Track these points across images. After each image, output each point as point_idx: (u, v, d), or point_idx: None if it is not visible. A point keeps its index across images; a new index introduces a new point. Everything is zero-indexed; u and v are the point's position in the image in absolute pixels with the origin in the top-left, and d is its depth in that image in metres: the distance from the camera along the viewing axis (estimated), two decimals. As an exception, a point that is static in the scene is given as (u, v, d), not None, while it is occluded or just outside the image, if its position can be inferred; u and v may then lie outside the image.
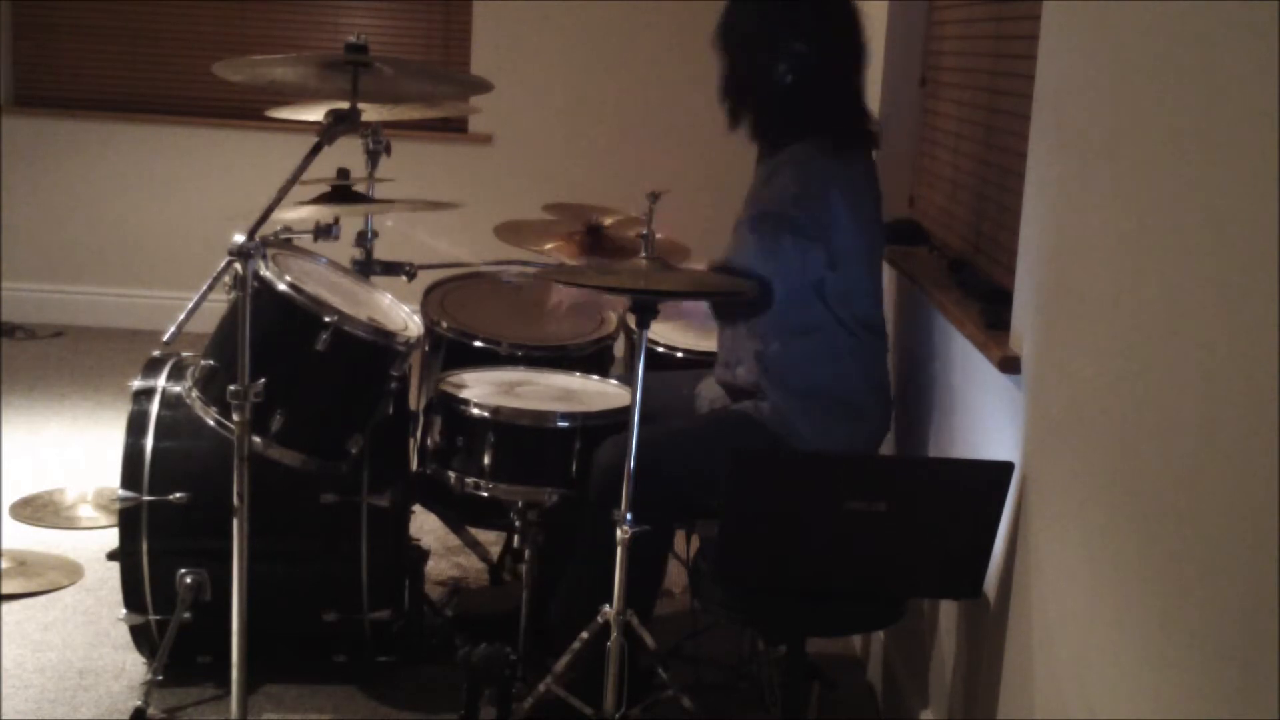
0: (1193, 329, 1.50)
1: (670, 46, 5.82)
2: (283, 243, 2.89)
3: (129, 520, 2.80)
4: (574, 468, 2.76)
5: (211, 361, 2.68)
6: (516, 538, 2.93)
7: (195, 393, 2.71)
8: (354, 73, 2.60)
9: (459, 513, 3.31)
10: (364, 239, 3.25)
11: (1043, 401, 2.07)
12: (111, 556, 2.87)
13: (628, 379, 2.97)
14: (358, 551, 2.85)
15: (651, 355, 3.11)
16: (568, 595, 2.77)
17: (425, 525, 3.49)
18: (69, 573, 3.46)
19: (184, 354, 2.99)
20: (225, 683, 2.58)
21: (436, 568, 3.50)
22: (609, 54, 5.90)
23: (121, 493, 2.80)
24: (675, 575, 3.21)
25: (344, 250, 3.16)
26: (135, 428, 2.84)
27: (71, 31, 6.02)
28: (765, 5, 2.72)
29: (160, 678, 2.78)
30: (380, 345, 2.75)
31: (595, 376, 3.05)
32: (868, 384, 2.77)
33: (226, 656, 2.49)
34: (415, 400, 3.07)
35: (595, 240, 3.35)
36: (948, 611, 2.56)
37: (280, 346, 2.62)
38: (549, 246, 3.34)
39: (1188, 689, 1.48)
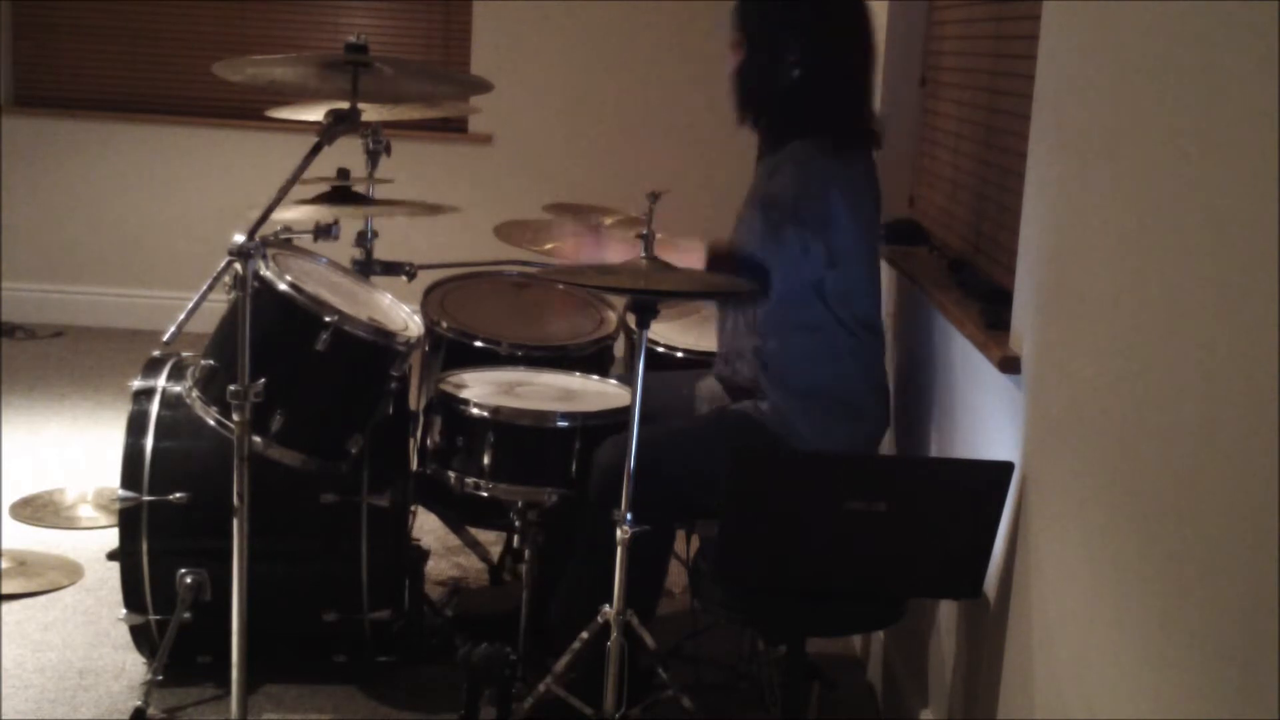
0: (1193, 329, 1.50)
1: (670, 46, 5.82)
2: (283, 243, 2.89)
3: (129, 520, 2.80)
4: (574, 468, 2.76)
5: (211, 361, 2.68)
6: (516, 537, 2.93)
7: (195, 393, 2.71)
8: (354, 73, 2.60)
9: (459, 513, 3.31)
10: (364, 239, 3.25)
11: (1043, 401, 2.07)
12: (111, 556, 2.87)
13: (628, 379, 2.97)
14: (358, 551, 2.85)
15: (651, 355, 3.11)
16: (568, 595, 2.77)
17: (425, 525, 3.49)
18: (69, 573, 3.46)
19: (184, 354, 2.99)
20: (225, 683, 2.58)
21: (436, 568, 3.50)
22: (609, 54, 5.90)
23: (121, 493, 2.80)
24: (675, 575, 3.21)
25: (344, 250, 3.16)
26: (135, 428, 2.84)
27: (71, 31, 6.02)
28: (768, 2, 2.72)
29: (160, 678, 2.78)
30: (380, 345, 2.75)
31: (595, 376, 3.05)
32: (867, 384, 2.77)
33: (226, 656, 2.49)
34: (415, 400, 3.07)
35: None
36: (948, 611, 2.56)
37: (280, 346, 2.62)
38: (549, 246, 3.34)
39: (1188, 689, 1.48)
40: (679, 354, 3.21)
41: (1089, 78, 1.94)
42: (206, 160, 5.96)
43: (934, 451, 2.75)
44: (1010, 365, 2.17)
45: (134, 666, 2.98)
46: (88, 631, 3.16)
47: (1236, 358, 1.39)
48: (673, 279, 2.45)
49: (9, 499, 3.91)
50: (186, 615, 2.78)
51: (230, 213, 2.83)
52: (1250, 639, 1.32)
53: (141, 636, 2.88)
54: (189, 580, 2.78)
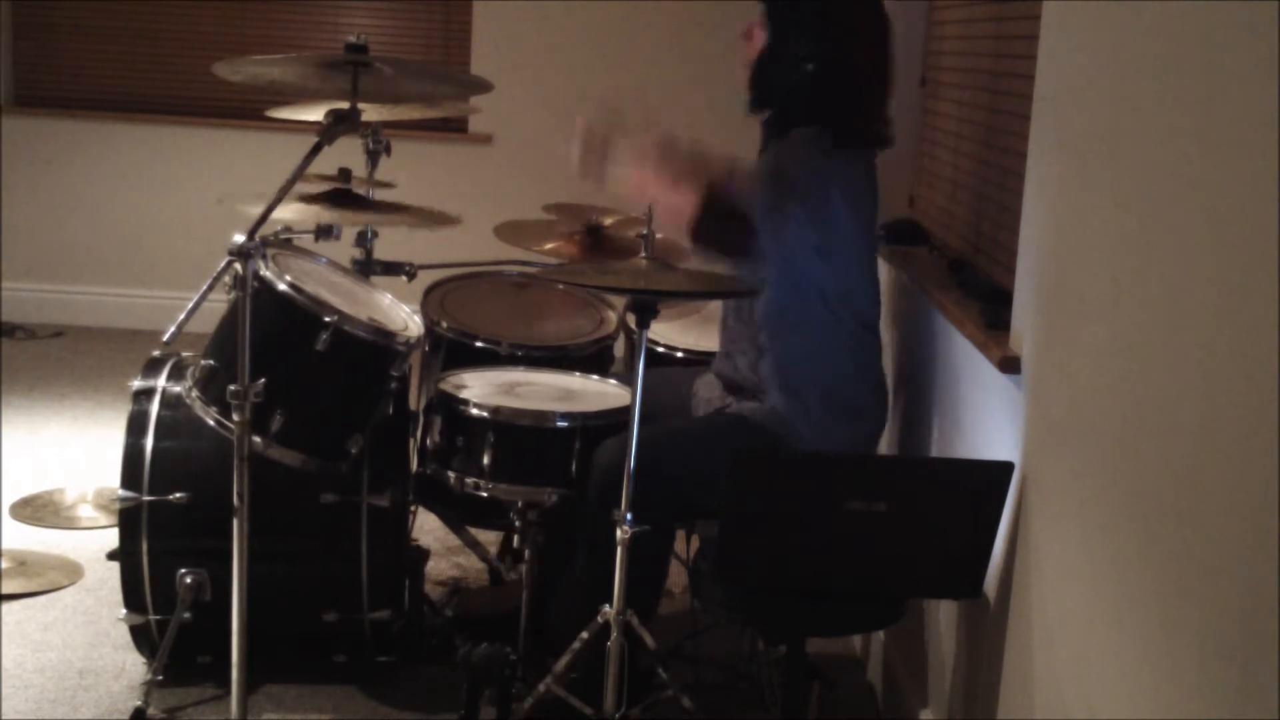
0: (1193, 329, 1.50)
1: (670, 46, 5.82)
2: (283, 243, 2.89)
3: (129, 520, 2.80)
4: (574, 468, 2.76)
5: (211, 361, 2.68)
6: (516, 537, 2.93)
7: (195, 393, 2.71)
8: (354, 73, 2.60)
9: (459, 513, 3.31)
10: (364, 239, 3.25)
11: (1043, 401, 2.07)
12: (111, 556, 2.87)
13: (626, 378, 2.97)
14: (358, 551, 2.85)
15: (651, 355, 3.11)
16: (567, 595, 2.77)
17: (425, 525, 3.49)
18: (69, 573, 3.46)
19: (184, 354, 2.99)
20: (225, 683, 2.58)
21: (436, 568, 3.50)
22: (609, 54, 5.90)
23: (121, 493, 2.80)
24: (675, 575, 3.21)
25: (344, 250, 3.16)
26: (135, 428, 2.84)
27: (71, 31, 6.02)
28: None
29: (160, 678, 2.78)
30: (380, 345, 2.75)
31: (595, 376, 3.05)
32: (867, 384, 2.77)
33: (226, 656, 2.49)
34: (415, 400, 3.07)
35: (595, 240, 3.35)
36: (948, 611, 2.56)
37: (280, 346, 2.62)
38: (549, 246, 3.34)
39: (1188, 689, 1.48)
40: (679, 354, 3.21)
41: (1089, 78, 1.94)
42: (206, 160, 5.96)
43: (934, 451, 2.75)
44: (1010, 365, 2.17)
45: (134, 666, 2.98)
46: (88, 631, 3.16)
47: (1236, 358, 1.39)
48: (673, 279, 2.45)
49: (9, 499, 3.91)
50: (186, 615, 2.78)
51: (230, 213, 2.83)
52: (1250, 639, 1.32)
53: (141, 636, 2.88)
54: (189, 580, 2.78)
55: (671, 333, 3.30)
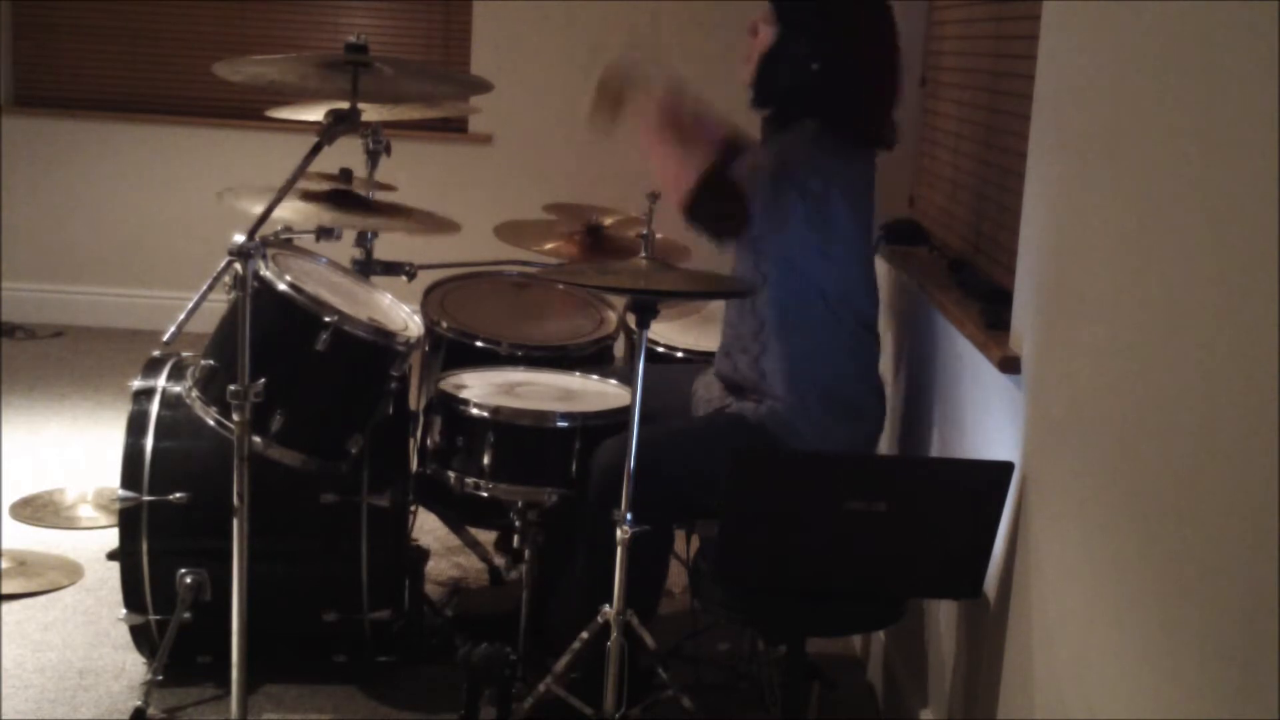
0: (1193, 329, 1.51)
1: (670, 46, 5.81)
2: (283, 243, 2.89)
3: (129, 520, 2.80)
4: (574, 468, 2.76)
5: (211, 361, 2.68)
6: (516, 538, 2.93)
7: (195, 393, 2.71)
8: (354, 73, 2.60)
9: (459, 513, 3.31)
10: (364, 239, 3.25)
11: (1043, 401, 2.07)
12: (111, 556, 2.86)
13: (624, 375, 2.97)
14: (358, 551, 2.85)
15: (651, 355, 3.11)
16: (567, 595, 2.77)
17: (425, 525, 3.49)
18: (69, 573, 3.46)
19: (184, 354, 2.99)
20: (225, 683, 2.58)
21: (436, 568, 3.50)
22: (609, 54, 5.88)
23: (121, 493, 2.80)
24: (675, 575, 3.21)
25: (344, 250, 3.16)
26: (135, 428, 2.84)
27: (71, 31, 6.02)
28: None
29: (160, 678, 2.78)
30: (380, 345, 2.75)
31: (595, 376, 3.05)
32: (866, 383, 2.77)
33: (226, 656, 2.49)
34: (415, 400, 3.07)
35: (595, 240, 3.35)
36: (948, 611, 2.56)
37: (280, 346, 2.62)
38: (549, 246, 3.34)
39: (1188, 689, 1.48)
40: (679, 354, 3.21)
41: (1089, 78, 1.94)
42: (206, 160, 5.96)
43: (934, 451, 2.75)
44: (1010, 365, 2.17)
45: (134, 666, 2.98)
46: (88, 631, 3.16)
47: (1236, 358, 1.39)
48: (672, 279, 2.45)
49: (9, 499, 3.91)
50: (186, 615, 2.78)
51: (230, 213, 2.83)
52: (1250, 639, 1.32)
53: (141, 636, 2.88)
54: (189, 580, 2.78)
55: (671, 333, 3.30)
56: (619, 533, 2.41)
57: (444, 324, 3.18)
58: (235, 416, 2.40)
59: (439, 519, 3.45)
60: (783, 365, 2.69)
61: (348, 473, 2.79)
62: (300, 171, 2.50)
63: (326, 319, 2.65)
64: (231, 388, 2.39)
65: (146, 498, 2.79)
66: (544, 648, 2.81)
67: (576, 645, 2.53)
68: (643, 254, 2.55)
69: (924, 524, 2.24)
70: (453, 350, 3.16)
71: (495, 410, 2.77)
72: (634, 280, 2.42)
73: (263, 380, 2.41)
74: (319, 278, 2.86)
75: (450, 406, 2.82)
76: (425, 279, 3.34)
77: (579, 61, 5.88)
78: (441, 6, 5.98)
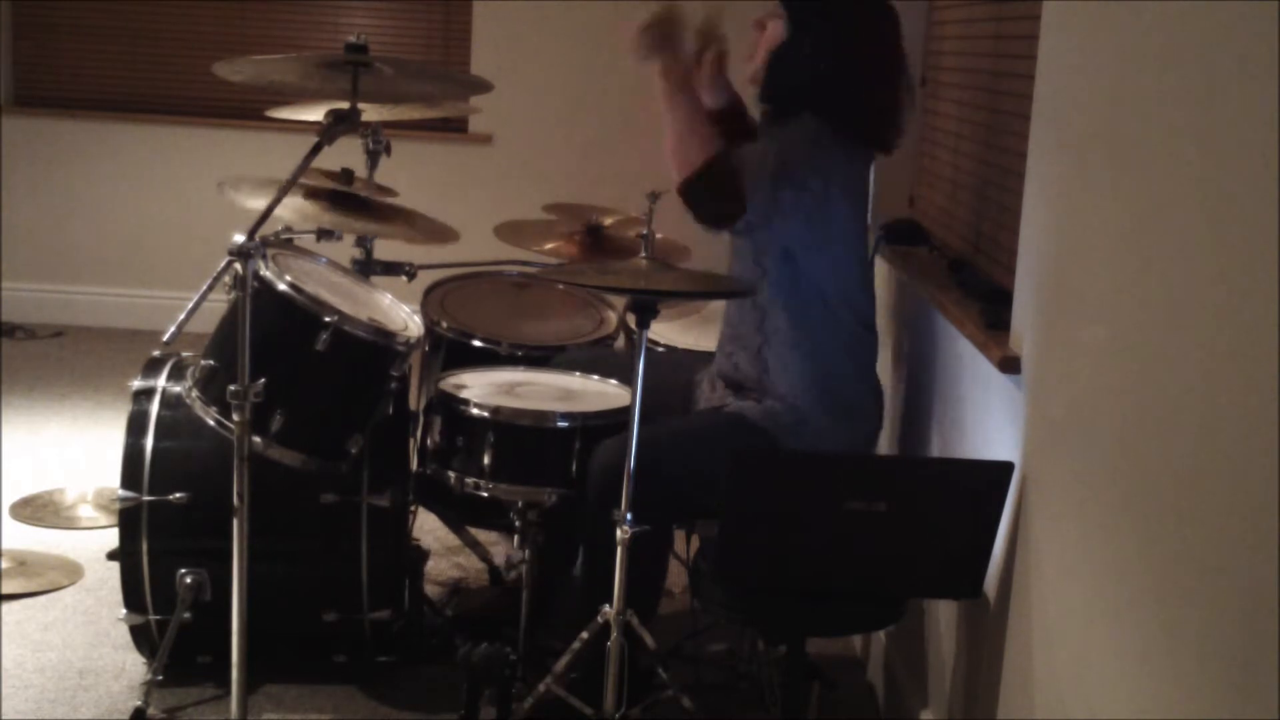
0: (1193, 329, 1.51)
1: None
2: (283, 243, 2.89)
3: (129, 520, 2.80)
4: (574, 468, 2.76)
5: (211, 361, 2.68)
6: (516, 538, 2.93)
7: (195, 393, 2.70)
8: (354, 73, 2.59)
9: (459, 513, 3.31)
10: (364, 239, 3.25)
11: (1043, 401, 2.07)
12: (111, 556, 2.86)
13: (624, 364, 2.97)
14: (358, 551, 2.85)
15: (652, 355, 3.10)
16: (567, 595, 2.77)
17: (425, 525, 3.49)
18: (69, 573, 3.46)
19: (184, 354, 2.99)
20: (225, 683, 2.58)
21: (436, 568, 3.50)
22: (609, 54, 5.89)
23: (121, 493, 2.80)
24: (675, 575, 3.21)
25: (344, 250, 3.16)
26: (135, 428, 2.84)
27: (71, 31, 6.02)
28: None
29: (160, 678, 2.78)
30: (380, 345, 2.75)
31: (595, 376, 3.05)
32: (866, 383, 2.77)
33: (226, 656, 2.49)
34: (415, 400, 3.07)
35: (595, 240, 3.35)
36: (948, 611, 2.56)
37: (280, 346, 2.62)
38: (549, 246, 3.34)
39: (1188, 689, 1.48)
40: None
41: (1089, 78, 1.94)
42: (206, 160, 5.96)
43: (934, 451, 2.75)
44: (1010, 365, 2.17)
45: (134, 666, 2.98)
46: (88, 631, 3.16)
47: (1236, 358, 1.39)
48: (672, 279, 2.45)
49: (9, 499, 3.91)
50: (186, 615, 2.78)
51: (230, 212, 2.83)
52: (1250, 639, 1.32)
53: (141, 636, 2.88)
54: (189, 580, 2.78)
55: (671, 333, 3.30)
56: (619, 533, 2.41)
57: (444, 324, 3.18)
58: (235, 416, 2.40)
59: (439, 519, 3.45)
60: (783, 364, 2.69)
61: (348, 473, 2.79)
62: (300, 171, 2.50)
63: (326, 319, 2.65)
64: (231, 388, 2.39)
65: (146, 498, 2.79)
66: (544, 648, 2.81)
67: (576, 645, 2.53)
68: (643, 254, 2.55)
69: (924, 524, 2.24)
70: (452, 350, 3.16)
71: (495, 410, 2.77)
72: (634, 280, 2.42)
73: (263, 380, 2.41)
74: (319, 278, 2.86)
75: (450, 406, 2.82)
76: (425, 279, 3.34)
77: (579, 61, 5.90)
78: (441, 6, 5.98)
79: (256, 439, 2.58)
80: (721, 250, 2.84)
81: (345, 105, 2.54)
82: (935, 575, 2.30)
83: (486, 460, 2.76)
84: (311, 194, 3.00)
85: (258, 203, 2.48)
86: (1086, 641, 1.80)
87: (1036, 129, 2.18)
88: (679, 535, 3.19)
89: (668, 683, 2.57)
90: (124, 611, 2.85)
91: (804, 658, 2.48)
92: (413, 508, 3.13)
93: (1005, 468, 2.15)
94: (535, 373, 3.05)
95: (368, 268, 3.24)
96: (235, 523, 2.42)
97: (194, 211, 5.90)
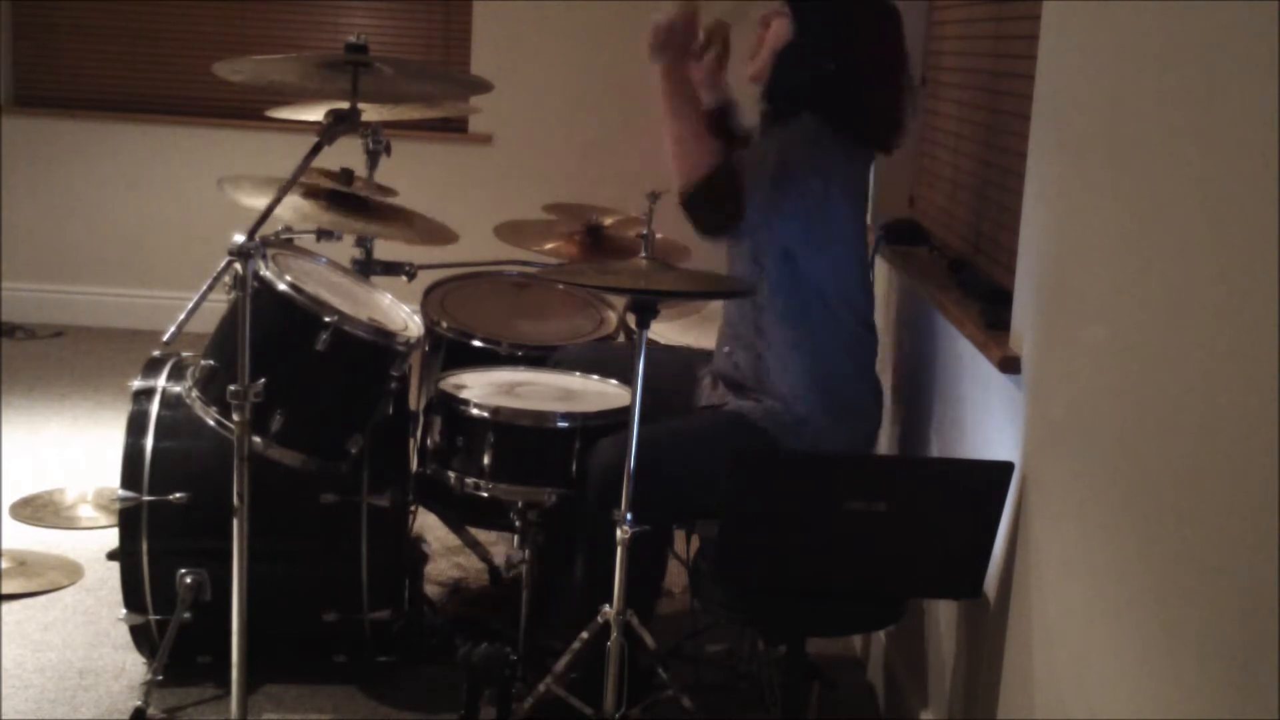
0: (1193, 329, 1.50)
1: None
2: (283, 243, 2.89)
3: (129, 520, 2.80)
4: (574, 468, 2.76)
5: (211, 361, 2.68)
6: (516, 538, 2.93)
7: (195, 393, 2.70)
8: (354, 73, 2.60)
9: (459, 513, 3.31)
10: (364, 239, 3.25)
11: (1043, 401, 2.07)
12: (111, 556, 2.87)
13: (624, 357, 2.97)
14: (358, 551, 2.85)
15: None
16: (568, 595, 2.77)
17: (425, 525, 3.49)
18: (69, 573, 3.46)
19: (184, 354, 2.99)
20: (225, 683, 2.58)
21: (436, 568, 3.50)
22: (609, 54, 5.90)
23: (121, 493, 2.80)
24: (675, 575, 3.21)
25: (344, 250, 3.16)
26: (135, 428, 2.84)
27: (71, 31, 6.02)
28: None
29: (160, 678, 2.78)
30: (380, 345, 2.75)
31: (595, 376, 3.05)
32: (865, 383, 2.77)
33: (226, 656, 2.49)
34: (415, 400, 3.07)
35: (595, 240, 3.35)
36: (948, 611, 2.56)
37: (280, 346, 2.62)
38: (549, 246, 3.34)
39: (1188, 689, 1.48)
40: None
41: (1089, 78, 1.94)
42: (206, 160, 5.95)
43: (934, 451, 2.75)
44: (1010, 365, 2.17)
45: (134, 666, 2.98)
46: (88, 631, 3.16)
47: (1236, 358, 1.39)
48: (672, 279, 2.45)
49: (9, 499, 3.91)
50: (186, 615, 2.78)
51: (230, 213, 2.83)
52: (1250, 639, 1.32)
53: (141, 636, 2.88)
54: (189, 580, 2.78)
55: (671, 333, 3.30)
56: (619, 533, 2.41)
57: (444, 324, 3.18)
58: (235, 416, 2.40)
59: (439, 519, 3.45)
60: (783, 363, 2.69)
61: (348, 473, 2.79)
62: (300, 171, 2.50)
63: (326, 319, 2.65)
64: (231, 388, 2.39)
65: (146, 498, 2.79)
66: (544, 648, 2.81)
67: (576, 645, 2.53)
68: (643, 254, 2.55)
69: (924, 524, 2.24)
70: (452, 350, 3.16)
71: (495, 410, 2.77)
72: (634, 280, 2.42)
73: (263, 380, 2.41)
74: (319, 278, 2.86)
75: (450, 406, 2.82)
76: (425, 279, 3.34)
77: (579, 61, 5.90)
78: (441, 6, 5.98)
79: (256, 439, 2.58)
80: (721, 250, 2.84)
81: (345, 105, 2.54)
82: (935, 575, 2.30)
83: (486, 460, 2.76)
84: (311, 194, 3.00)
85: (258, 203, 2.48)
86: (1086, 641, 1.80)
87: (1036, 129, 2.18)
88: (679, 535, 3.19)
89: (668, 683, 2.57)
90: (124, 611, 2.85)
91: (804, 658, 2.48)
92: (413, 508, 3.13)
93: (1005, 468, 2.15)
94: (535, 373, 3.05)
95: (368, 268, 3.24)
96: (235, 523, 2.42)
97: (194, 211, 5.90)
